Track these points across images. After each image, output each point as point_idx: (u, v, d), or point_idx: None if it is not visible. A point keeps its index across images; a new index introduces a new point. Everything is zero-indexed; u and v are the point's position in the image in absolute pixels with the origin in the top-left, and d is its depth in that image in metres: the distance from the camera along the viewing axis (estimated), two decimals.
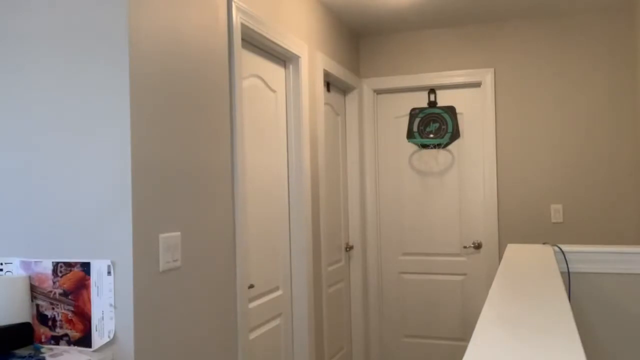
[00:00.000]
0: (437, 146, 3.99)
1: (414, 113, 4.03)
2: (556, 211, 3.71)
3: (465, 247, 3.93)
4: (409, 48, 4.04)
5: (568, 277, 2.09)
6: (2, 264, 1.75)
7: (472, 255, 3.92)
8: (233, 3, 2.22)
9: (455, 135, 3.94)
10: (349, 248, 3.88)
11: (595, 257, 2.27)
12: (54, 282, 1.69)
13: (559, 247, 2.22)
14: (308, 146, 3.01)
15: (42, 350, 1.63)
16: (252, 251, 2.50)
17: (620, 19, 3.60)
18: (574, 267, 2.18)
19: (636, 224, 3.55)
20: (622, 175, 3.59)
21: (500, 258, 3.85)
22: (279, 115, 2.86)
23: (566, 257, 2.16)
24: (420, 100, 4.03)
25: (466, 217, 3.94)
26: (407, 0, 3.40)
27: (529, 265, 1.93)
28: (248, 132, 2.48)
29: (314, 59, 3.19)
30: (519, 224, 3.78)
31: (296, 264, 2.94)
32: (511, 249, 2.34)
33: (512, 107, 3.82)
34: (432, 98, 4.00)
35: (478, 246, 3.89)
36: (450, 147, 3.97)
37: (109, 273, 1.62)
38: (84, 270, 1.65)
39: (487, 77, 3.85)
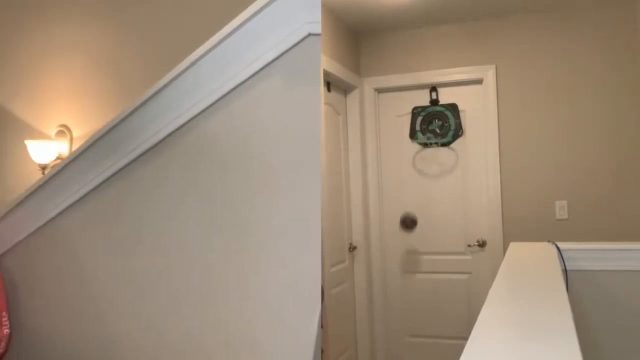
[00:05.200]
0: (440, 144, 3.97)
1: (416, 111, 4.01)
2: (561, 207, 3.68)
3: (469, 245, 3.90)
4: (409, 46, 4.01)
5: (565, 275, 2.07)
6: None
7: (477, 253, 3.89)
8: None
9: (457, 133, 3.91)
10: (352, 248, 3.87)
11: (594, 255, 2.25)
12: None
13: (556, 245, 2.20)
14: None
15: None
16: None
17: (623, 13, 3.56)
18: (574, 265, 2.16)
19: None
20: (628, 171, 3.55)
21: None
22: None
23: (562, 254, 2.14)
24: (422, 98, 4.01)
25: (470, 215, 3.91)
26: None
27: (531, 264, 1.91)
28: None
29: None
30: (523, 221, 3.75)
31: None
32: (514, 248, 2.32)
33: (515, 103, 3.79)
34: (433, 96, 3.98)
35: (482, 244, 3.87)
36: (453, 145, 3.95)
37: None
38: None
39: (488, 73, 3.82)
